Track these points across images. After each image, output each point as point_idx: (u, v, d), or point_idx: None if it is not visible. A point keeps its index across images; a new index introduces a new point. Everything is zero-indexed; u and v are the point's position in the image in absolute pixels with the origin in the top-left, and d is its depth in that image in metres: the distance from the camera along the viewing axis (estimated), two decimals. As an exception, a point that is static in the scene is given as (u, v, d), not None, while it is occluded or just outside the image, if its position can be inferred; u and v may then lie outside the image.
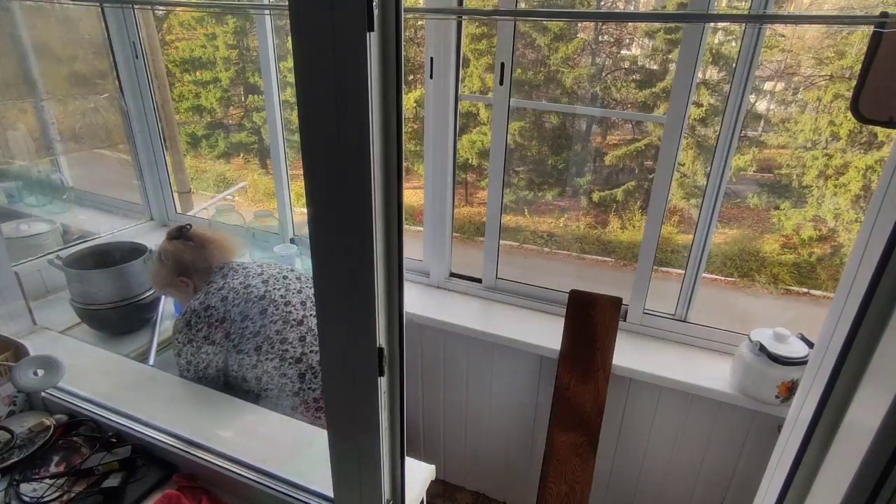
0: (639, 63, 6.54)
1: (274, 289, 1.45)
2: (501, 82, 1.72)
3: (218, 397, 1.35)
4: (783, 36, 5.79)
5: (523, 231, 6.90)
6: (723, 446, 1.68)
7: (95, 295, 1.75)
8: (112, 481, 1.08)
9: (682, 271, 1.74)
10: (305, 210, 0.65)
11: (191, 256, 1.50)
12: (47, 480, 1.08)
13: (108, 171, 2.70)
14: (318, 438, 1.21)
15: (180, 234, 1.53)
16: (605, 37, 6.70)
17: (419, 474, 1.15)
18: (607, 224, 6.66)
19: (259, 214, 2.16)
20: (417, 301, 1.98)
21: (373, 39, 0.55)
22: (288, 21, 0.56)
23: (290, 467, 1.10)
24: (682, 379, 1.59)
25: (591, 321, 1.68)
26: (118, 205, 2.55)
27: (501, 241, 1.96)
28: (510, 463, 2.07)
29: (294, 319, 1.42)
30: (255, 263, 1.54)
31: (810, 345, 1.48)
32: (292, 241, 2.21)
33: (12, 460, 1.11)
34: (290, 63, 1.10)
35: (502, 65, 1.70)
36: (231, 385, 1.43)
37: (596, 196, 6.67)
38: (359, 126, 0.58)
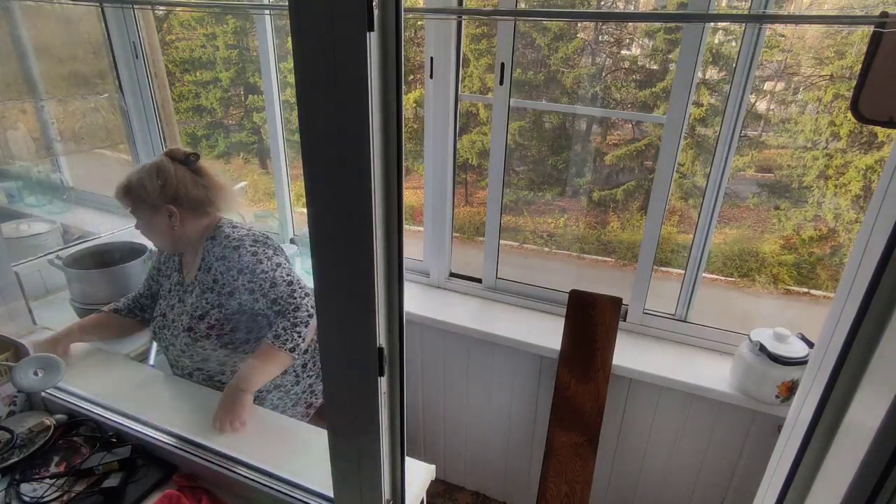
0: (639, 63, 6.53)
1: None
2: (501, 82, 1.72)
3: (218, 397, 1.34)
4: (783, 36, 5.78)
5: (523, 231, 6.90)
6: (723, 446, 1.68)
7: (95, 295, 1.76)
8: (112, 481, 1.08)
9: (682, 271, 1.74)
10: (305, 210, 0.65)
11: (189, 190, 1.34)
12: (47, 480, 1.08)
13: (108, 171, 2.70)
14: (318, 438, 1.21)
15: (186, 161, 1.36)
16: (605, 37, 6.70)
17: (419, 474, 1.15)
18: (607, 224, 6.65)
19: (259, 214, 2.16)
20: (417, 301, 1.98)
21: (373, 39, 0.55)
22: (288, 21, 0.56)
23: (290, 467, 1.10)
24: (682, 379, 1.59)
25: (591, 321, 1.68)
26: (118, 205, 2.54)
27: (501, 241, 1.96)
28: (510, 463, 2.07)
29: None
30: (247, 231, 1.40)
31: (810, 345, 1.48)
32: (292, 241, 2.21)
33: (12, 460, 1.11)
34: (290, 63, 1.10)
35: (502, 65, 1.70)
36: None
37: (596, 196, 6.67)
38: (359, 126, 0.58)
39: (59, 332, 1.46)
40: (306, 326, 1.32)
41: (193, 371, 1.43)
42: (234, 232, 1.36)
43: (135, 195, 1.34)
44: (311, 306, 1.34)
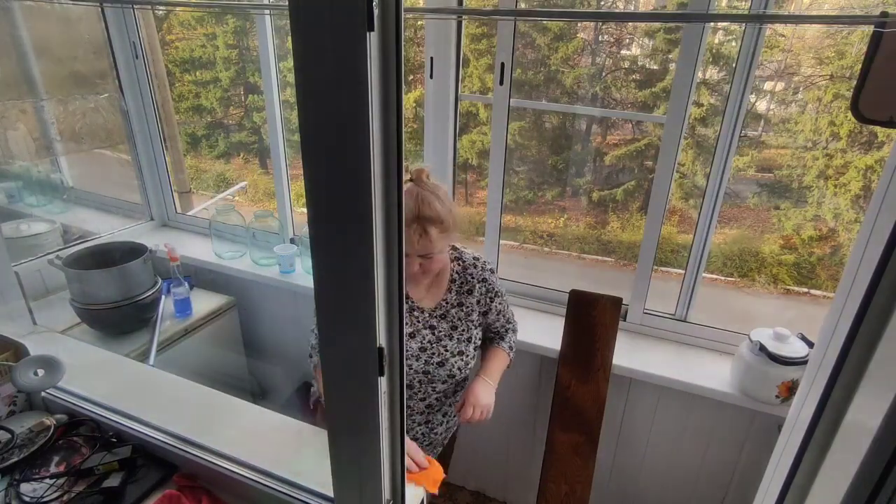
0: (639, 63, 6.54)
1: None
2: (501, 82, 1.72)
3: (218, 397, 1.35)
4: (783, 36, 5.78)
5: (523, 231, 6.90)
6: (723, 446, 1.68)
7: (95, 295, 1.76)
8: (112, 481, 1.08)
9: (682, 271, 1.74)
10: (305, 210, 0.65)
11: None
12: (47, 480, 1.08)
13: (108, 171, 2.70)
14: (318, 438, 1.21)
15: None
16: (605, 37, 6.70)
17: (419, 474, 1.15)
18: (607, 224, 6.66)
19: (259, 214, 2.16)
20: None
21: (373, 39, 0.55)
22: (288, 21, 0.56)
23: (290, 467, 1.10)
24: (682, 379, 1.59)
25: (591, 321, 1.68)
26: (118, 205, 2.55)
27: (501, 241, 1.96)
28: (510, 463, 2.07)
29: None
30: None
31: (810, 345, 1.48)
32: (292, 241, 2.21)
33: (12, 460, 1.11)
34: (290, 63, 1.10)
35: (502, 65, 1.70)
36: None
37: (596, 196, 6.67)
38: (359, 126, 0.58)
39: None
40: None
41: (423, 412, 1.39)
42: (476, 255, 1.40)
43: (451, 230, 1.24)
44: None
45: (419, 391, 1.36)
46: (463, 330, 1.36)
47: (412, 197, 1.19)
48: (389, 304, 0.70)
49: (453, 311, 1.36)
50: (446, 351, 1.33)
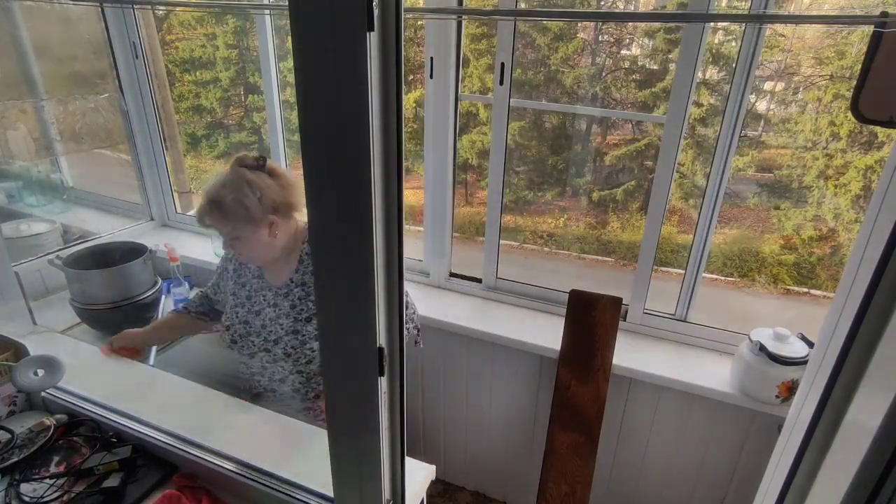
0: (639, 63, 6.54)
1: None
2: (501, 82, 1.72)
3: (218, 397, 1.35)
4: (783, 36, 5.78)
5: (523, 231, 6.90)
6: (723, 446, 1.68)
7: (95, 295, 1.76)
8: (112, 481, 1.08)
9: (682, 271, 1.74)
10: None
11: (277, 195, 1.27)
12: (47, 480, 1.08)
13: (108, 171, 2.70)
14: (318, 438, 1.21)
15: (260, 166, 1.27)
16: (605, 37, 6.70)
17: (419, 474, 1.15)
18: (607, 224, 6.65)
19: (259, 214, 2.16)
20: (417, 301, 1.97)
21: (373, 39, 0.55)
22: (288, 21, 0.56)
23: (290, 467, 1.10)
24: (682, 379, 1.59)
25: (591, 321, 1.68)
26: (118, 205, 2.55)
27: (501, 241, 1.96)
28: (510, 463, 2.07)
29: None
30: None
31: (810, 345, 1.48)
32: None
33: (12, 460, 1.11)
34: (290, 63, 1.10)
35: (502, 65, 1.70)
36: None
37: (596, 196, 6.67)
38: (359, 126, 0.58)
39: (138, 331, 1.52)
40: (412, 323, 1.48)
41: (273, 385, 1.40)
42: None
43: (234, 216, 1.24)
44: (414, 313, 1.50)
45: (276, 372, 1.37)
46: (302, 309, 1.33)
47: None
48: (389, 304, 0.70)
49: (297, 289, 1.34)
50: (281, 329, 1.33)
